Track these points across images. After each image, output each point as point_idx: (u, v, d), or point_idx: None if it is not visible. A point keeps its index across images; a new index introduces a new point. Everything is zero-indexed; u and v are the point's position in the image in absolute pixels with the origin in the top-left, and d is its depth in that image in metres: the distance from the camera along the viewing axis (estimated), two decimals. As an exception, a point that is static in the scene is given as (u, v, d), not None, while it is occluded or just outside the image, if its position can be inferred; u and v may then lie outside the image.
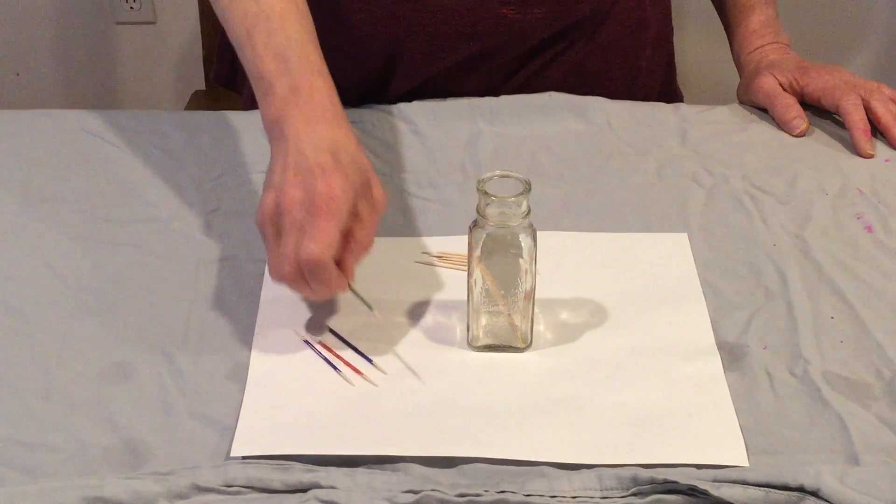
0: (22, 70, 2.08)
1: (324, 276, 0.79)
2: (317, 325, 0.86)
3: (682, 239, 0.96)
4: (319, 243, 0.78)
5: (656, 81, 1.27)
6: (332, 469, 0.73)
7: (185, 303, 0.88)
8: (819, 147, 1.10)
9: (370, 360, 0.83)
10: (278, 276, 0.81)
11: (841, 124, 1.11)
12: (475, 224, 0.80)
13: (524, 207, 0.78)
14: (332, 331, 0.85)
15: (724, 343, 0.85)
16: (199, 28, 1.62)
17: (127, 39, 2.06)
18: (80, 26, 2.03)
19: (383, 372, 0.82)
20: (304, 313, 0.87)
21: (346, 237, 0.81)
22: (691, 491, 0.71)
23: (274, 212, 0.81)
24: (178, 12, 2.02)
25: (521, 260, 0.80)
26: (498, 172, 0.79)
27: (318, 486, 0.71)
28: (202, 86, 1.69)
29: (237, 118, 1.12)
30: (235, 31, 0.91)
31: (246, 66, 0.90)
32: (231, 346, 0.84)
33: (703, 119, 1.14)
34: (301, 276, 0.80)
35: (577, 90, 1.15)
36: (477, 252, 0.80)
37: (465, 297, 0.83)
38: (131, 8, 2.01)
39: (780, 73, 1.15)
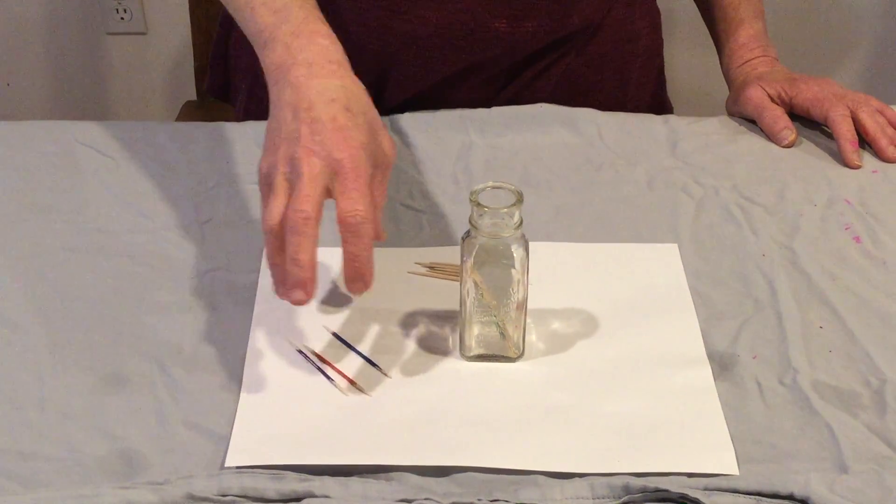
0: (13, 80, 2.08)
1: (367, 233, 0.77)
2: (311, 334, 0.86)
3: (673, 249, 0.96)
4: (362, 204, 0.76)
5: (646, 93, 1.27)
6: (326, 478, 0.73)
7: (179, 313, 0.88)
8: (807, 158, 1.10)
9: (376, 366, 0.83)
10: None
11: (829, 135, 1.12)
12: (468, 235, 0.80)
13: (516, 218, 0.79)
14: (336, 335, 0.86)
15: (714, 353, 0.85)
16: (190, 39, 1.62)
17: (118, 50, 2.06)
18: (71, 37, 2.03)
19: (388, 376, 0.82)
20: (298, 323, 0.87)
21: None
22: (682, 499, 0.71)
23: (288, 165, 0.78)
24: (170, 23, 2.02)
25: (513, 270, 0.80)
26: (490, 183, 0.79)
27: (312, 495, 0.72)
28: (193, 97, 1.69)
29: (230, 129, 1.12)
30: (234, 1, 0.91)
31: (245, 29, 0.89)
32: (225, 357, 0.84)
33: (693, 130, 1.15)
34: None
35: (568, 102, 1.15)
36: (469, 262, 0.80)
37: (458, 308, 0.83)
38: (122, 18, 2.01)
39: (768, 84, 1.16)
